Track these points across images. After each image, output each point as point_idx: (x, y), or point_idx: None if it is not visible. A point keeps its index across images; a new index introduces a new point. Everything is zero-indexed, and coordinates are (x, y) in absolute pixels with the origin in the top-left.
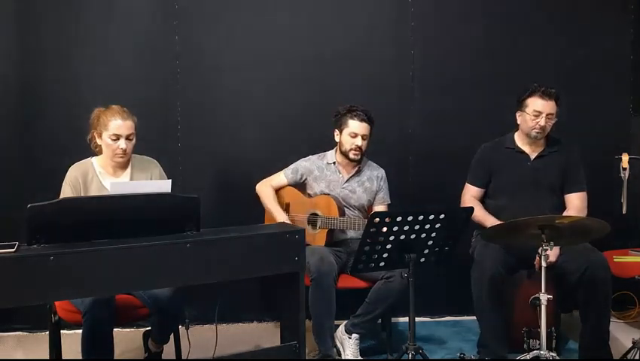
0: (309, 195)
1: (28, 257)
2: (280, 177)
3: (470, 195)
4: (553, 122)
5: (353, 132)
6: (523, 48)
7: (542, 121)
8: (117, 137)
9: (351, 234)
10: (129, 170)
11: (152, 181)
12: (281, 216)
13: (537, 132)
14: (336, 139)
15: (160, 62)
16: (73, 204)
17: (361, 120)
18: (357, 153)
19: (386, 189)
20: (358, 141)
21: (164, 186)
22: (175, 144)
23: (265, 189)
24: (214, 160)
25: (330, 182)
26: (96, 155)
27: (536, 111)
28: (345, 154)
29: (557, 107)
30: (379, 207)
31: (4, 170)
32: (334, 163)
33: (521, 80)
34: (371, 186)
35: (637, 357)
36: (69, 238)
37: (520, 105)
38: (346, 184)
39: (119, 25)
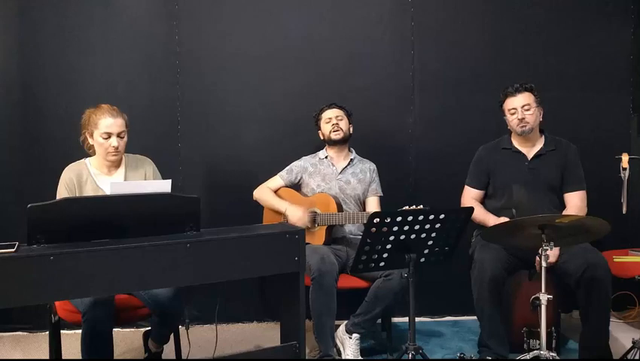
0: (306, 195)
1: (28, 257)
2: (276, 180)
3: (470, 197)
4: (532, 112)
5: (327, 118)
6: (523, 48)
7: (519, 114)
8: (109, 135)
9: (349, 228)
10: (122, 169)
11: (152, 181)
12: (284, 205)
13: (521, 127)
14: (321, 137)
15: (160, 62)
16: (73, 204)
17: (330, 108)
18: (337, 132)
19: (378, 182)
20: (334, 121)
21: (164, 186)
22: (175, 144)
23: (262, 190)
24: (214, 160)
25: (325, 175)
26: (90, 156)
27: (511, 109)
28: (329, 141)
29: (534, 97)
30: (371, 198)
31: (4, 170)
32: (326, 157)
33: (521, 80)
34: (364, 178)
35: (637, 357)
36: (69, 238)
37: (501, 110)
38: (340, 175)
39: (119, 25)
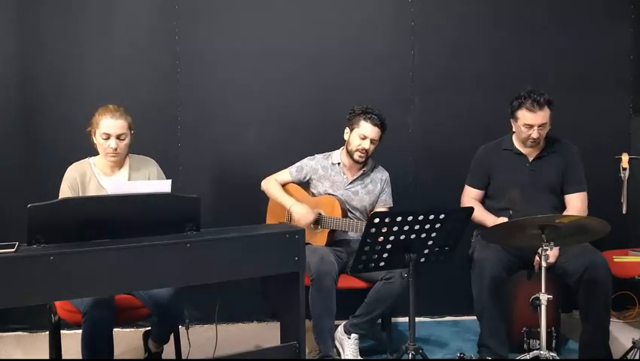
0: (313, 195)
1: (28, 257)
2: (284, 174)
3: (470, 196)
4: (546, 130)
5: (363, 134)
6: (523, 48)
7: (534, 133)
8: (108, 136)
9: (352, 235)
10: (126, 169)
11: (152, 181)
12: (289, 202)
13: (532, 143)
14: (345, 137)
15: (160, 62)
16: (73, 204)
17: (374, 124)
18: (362, 155)
19: (389, 192)
20: (366, 144)
21: (164, 186)
22: (175, 144)
23: (271, 182)
24: (214, 160)
25: (334, 182)
26: (97, 154)
27: (526, 125)
28: (350, 154)
29: (550, 112)
30: (380, 210)
31: (4, 170)
32: (339, 164)
33: (521, 80)
34: (374, 189)
35: (637, 357)
36: (69, 238)
37: (512, 115)
38: (350, 186)
39: (119, 25)
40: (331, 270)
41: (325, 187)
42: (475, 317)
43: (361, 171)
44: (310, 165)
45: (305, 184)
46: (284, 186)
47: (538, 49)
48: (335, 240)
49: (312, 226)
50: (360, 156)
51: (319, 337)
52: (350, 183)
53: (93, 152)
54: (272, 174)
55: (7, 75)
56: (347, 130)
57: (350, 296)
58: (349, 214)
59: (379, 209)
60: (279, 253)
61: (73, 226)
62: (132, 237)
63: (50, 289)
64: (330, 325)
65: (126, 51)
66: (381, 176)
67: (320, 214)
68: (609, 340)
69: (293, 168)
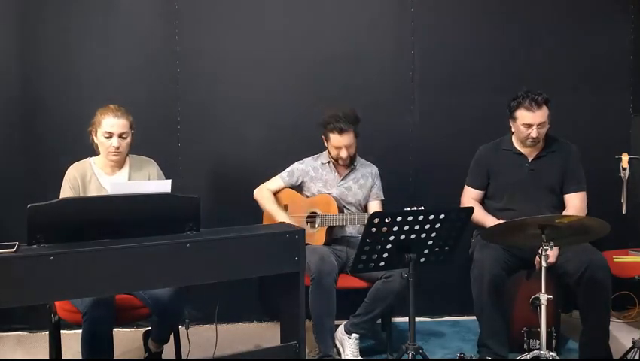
0: (307, 197)
1: (28, 257)
2: (277, 181)
3: (470, 196)
4: (545, 128)
5: (335, 146)
6: (523, 48)
7: (534, 132)
8: (110, 135)
9: (350, 230)
10: (126, 170)
11: (152, 181)
12: (280, 216)
13: (531, 142)
14: (325, 145)
15: (160, 62)
16: (73, 204)
17: (340, 133)
18: (345, 161)
19: (379, 185)
20: (343, 153)
21: (164, 186)
22: (175, 144)
23: (263, 192)
24: (214, 160)
25: (326, 181)
26: (97, 154)
27: (525, 124)
28: (335, 159)
29: (548, 111)
30: (373, 203)
31: (4, 170)
32: (328, 163)
33: (521, 80)
34: (366, 183)
35: (637, 357)
36: (69, 238)
37: (510, 115)
38: (342, 182)
39: (119, 25)
40: (331, 270)
41: (319, 187)
42: (475, 317)
43: (351, 167)
44: (300, 168)
45: (298, 188)
46: (278, 192)
47: (538, 49)
48: (334, 237)
49: (309, 225)
50: (343, 162)
51: (319, 337)
52: (342, 179)
53: (93, 152)
54: (272, 174)
55: (8, 75)
56: (324, 138)
57: (350, 296)
58: (345, 210)
59: (372, 203)
60: (279, 253)
61: (73, 226)
62: (132, 237)
63: (50, 289)
64: (330, 325)
65: (126, 51)
66: (371, 170)
67: (316, 213)
68: (609, 340)
69: (284, 174)
